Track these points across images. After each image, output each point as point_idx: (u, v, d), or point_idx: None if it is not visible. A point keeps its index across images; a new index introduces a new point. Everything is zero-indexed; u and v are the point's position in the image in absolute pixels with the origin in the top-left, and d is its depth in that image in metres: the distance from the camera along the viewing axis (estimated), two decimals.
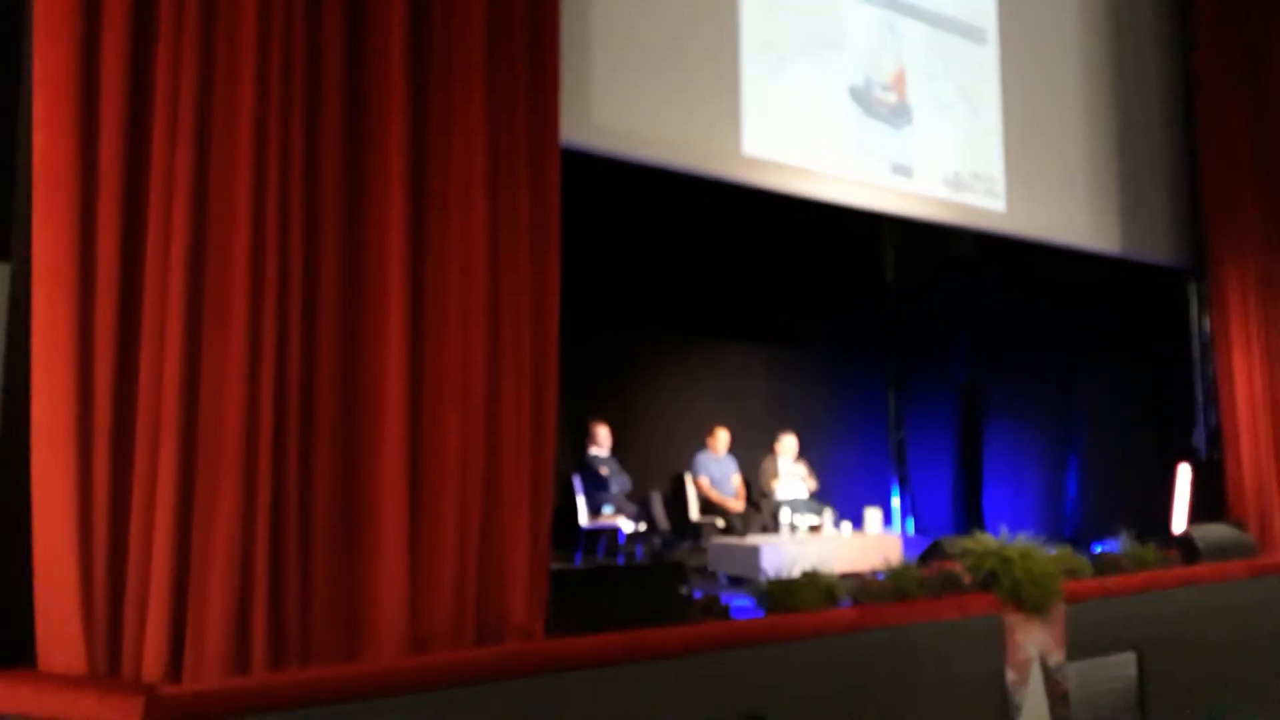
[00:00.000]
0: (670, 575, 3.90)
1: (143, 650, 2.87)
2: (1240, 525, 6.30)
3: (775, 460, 7.71)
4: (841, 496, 8.08)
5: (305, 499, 3.14)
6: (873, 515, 6.89)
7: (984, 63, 6.59)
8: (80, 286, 2.90)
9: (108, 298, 2.93)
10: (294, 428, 3.12)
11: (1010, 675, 4.38)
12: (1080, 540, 7.05)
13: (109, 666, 2.87)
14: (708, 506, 7.48)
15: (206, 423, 2.97)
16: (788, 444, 7.74)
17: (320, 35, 3.30)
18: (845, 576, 4.45)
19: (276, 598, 3.03)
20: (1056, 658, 4.55)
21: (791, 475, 7.64)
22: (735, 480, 7.67)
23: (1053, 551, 4.84)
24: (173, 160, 3.00)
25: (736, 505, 7.46)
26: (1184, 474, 7.10)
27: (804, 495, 7.61)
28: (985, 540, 4.61)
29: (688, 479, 7.63)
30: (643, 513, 7.11)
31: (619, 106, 4.88)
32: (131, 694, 2.59)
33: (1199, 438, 7.47)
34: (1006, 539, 4.62)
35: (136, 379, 2.95)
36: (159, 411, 2.93)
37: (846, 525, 6.80)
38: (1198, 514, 6.81)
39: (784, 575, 4.12)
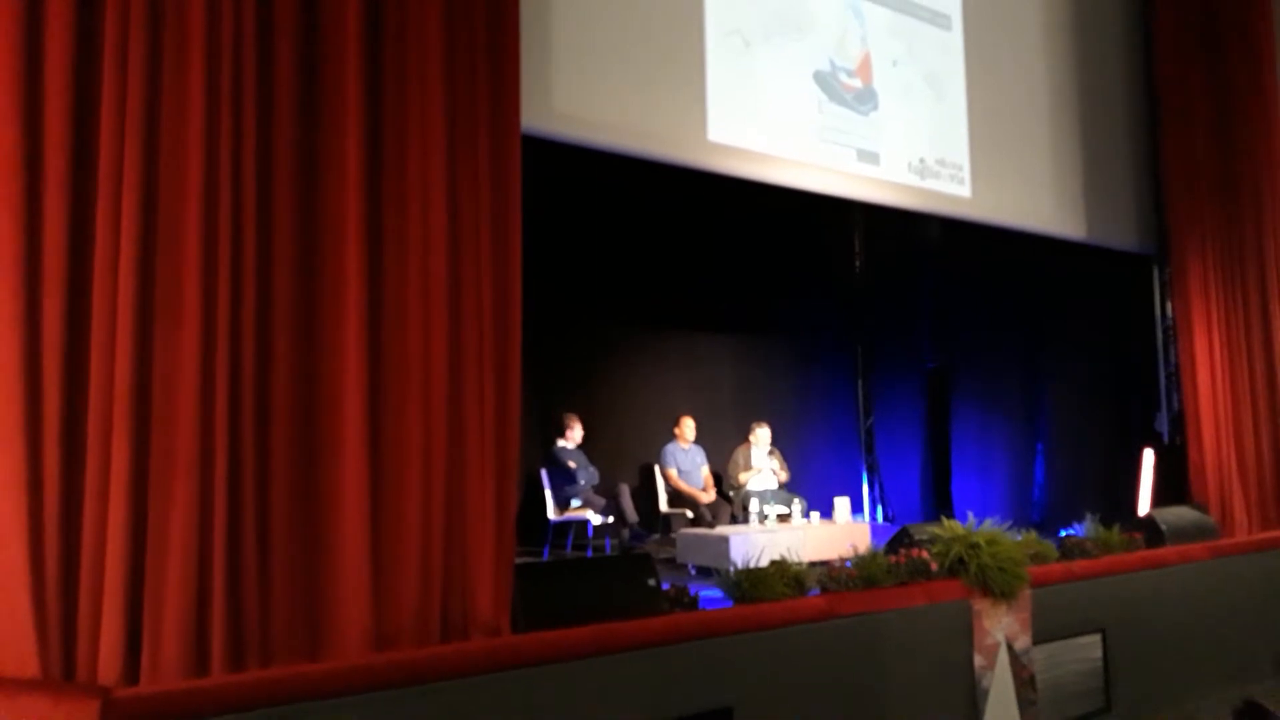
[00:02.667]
0: (638, 567, 3.86)
1: (98, 652, 2.82)
2: (1202, 508, 6.39)
3: (749, 450, 7.69)
4: (811, 484, 8.09)
5: (263, 495, 3.09)
6: (841, 504, 6.90)
7: (949, 48, 6.59)
8: (26, 282, 2.84)
9: (55, 293, 2.87)
10: (250, 423, 3.07)
11: (978, 660, 4.41)
12: (1047, 525, 7.12)
13: (64, 670, 2.81)
14: (677, 498, 7.45)
15: (160, 419, 2.91)
16: (762, 435, 7.72)
17: (272, 23, 3.23)
18: (814, 565, 4.46)
19: (235, 596, 2.98)
20: (1023, 642, 4.58)
21: (764, 467, 7.63)
22: (704, 471, 7.65)
23: (1019, 537, 4.88)
24: (121, 152, 2.94)
25: (706, 496, 7.44)
26: (1148, 458, 7.19)
27: (774, 486, 7.60)
28: (952, 527, 4.64)
29: (657, 471, 7.60)
30: (611, 505, 7.08)
31: (582, 92, 4.82)
32: (87, 697, 2.55)
33: (1162, 422, 7.55)
34: (973, 525, 4.65)
35: (87, 376, 2.89)
36: (110, 408, 2.87)
37: (815, 515, 6.81)
38: (1161, 497, 6.89)
39: (752, 565, 4.11)
